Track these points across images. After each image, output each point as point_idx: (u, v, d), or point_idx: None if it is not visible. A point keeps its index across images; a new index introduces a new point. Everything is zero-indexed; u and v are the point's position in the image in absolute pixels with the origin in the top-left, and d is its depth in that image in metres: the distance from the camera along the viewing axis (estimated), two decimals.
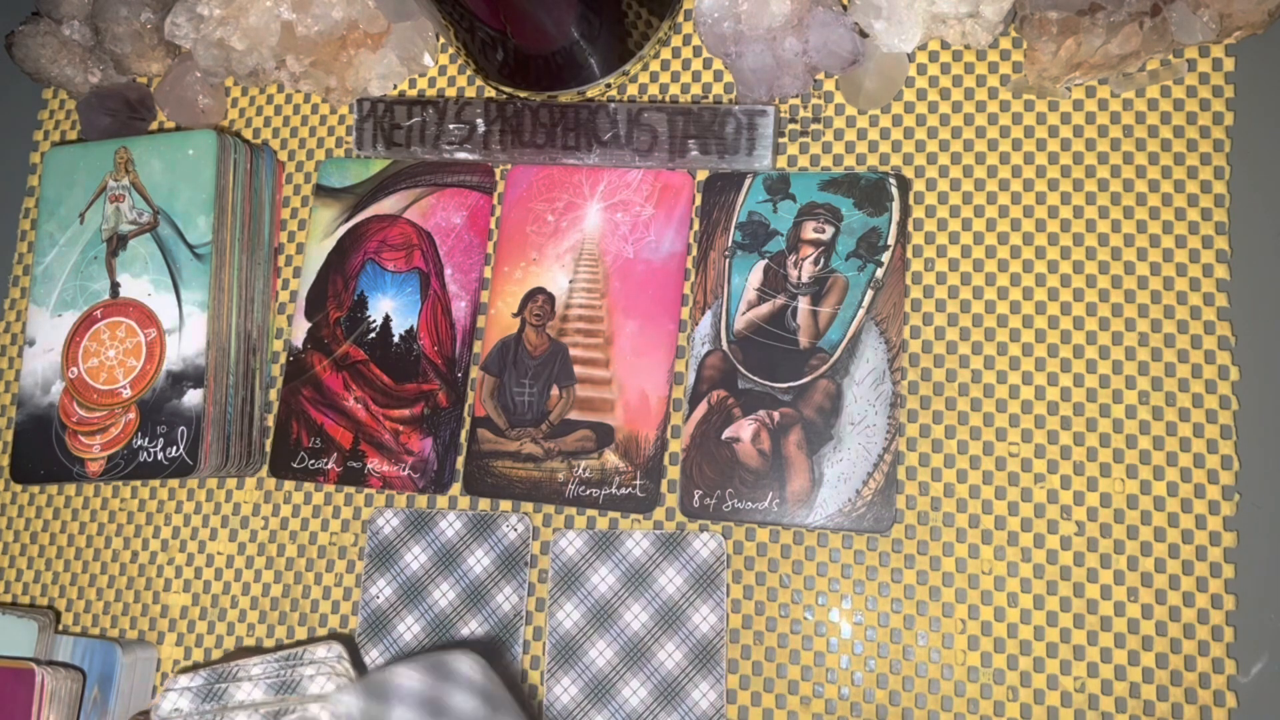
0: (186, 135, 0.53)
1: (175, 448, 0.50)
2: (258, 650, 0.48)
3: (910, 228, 0.48)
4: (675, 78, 0.52)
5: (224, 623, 0.51)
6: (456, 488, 0.50)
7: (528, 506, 0.49)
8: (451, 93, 0.55)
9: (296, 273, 0.55)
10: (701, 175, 0.50)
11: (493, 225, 0.52)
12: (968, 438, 0.45)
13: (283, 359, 0.54)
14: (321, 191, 0.55)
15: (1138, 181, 0.46)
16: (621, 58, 0.50)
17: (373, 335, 0.52)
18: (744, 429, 0.46)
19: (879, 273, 0.46)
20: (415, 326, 0.51)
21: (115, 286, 0.52)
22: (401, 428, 0.50)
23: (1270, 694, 0.41)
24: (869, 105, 0.49)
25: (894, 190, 0.47)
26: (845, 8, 0.49)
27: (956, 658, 0.44)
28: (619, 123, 0.50)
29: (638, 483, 0.47)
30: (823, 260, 0.47)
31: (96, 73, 0.59)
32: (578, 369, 0.49)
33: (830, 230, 0.47)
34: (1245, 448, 0.43)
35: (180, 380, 0.50)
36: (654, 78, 0.52)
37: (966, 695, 0.43)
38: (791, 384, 0.46)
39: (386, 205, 0.53)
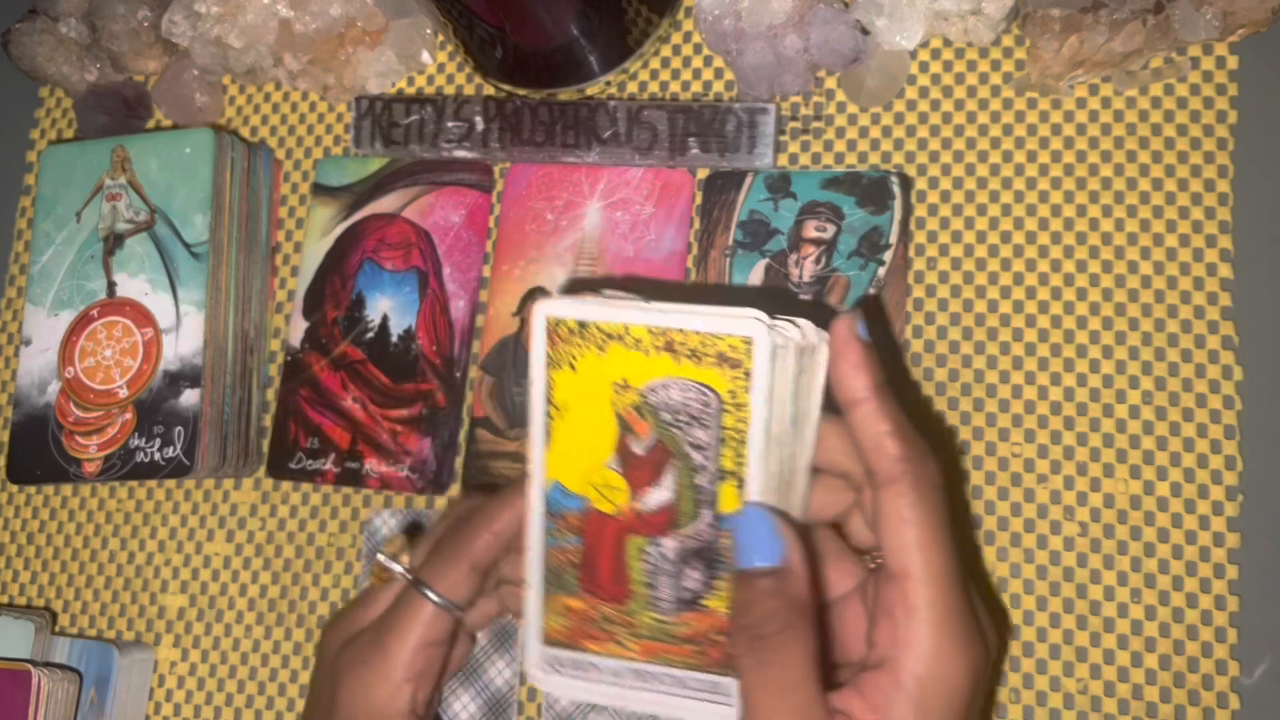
0: (183, 134, 0.53)
1: (172, 448, 0.49)
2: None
3: (912, 226, 0.47)
4: (675, 75, 0.52)
5: (221, 624, 0.51)
6: (455, 488, 0.49)
7: None
8: (450, 91, 0.54)
9: (294, 272, 0.55)
10: (702, 173, 0.50)
11: (492, 224, 0.52)
12: (970, 438, 0.45)
13: (280, 359, 0.53)
14: (319, 190, 0.54)
15: (1141, 180, 0.46)
16: (621, 55, 0.50)
17: (371, 335, 0.51)
18: None
19: (881, 272, 0.46)
20: (413, 326, 0.51)
21: (112, 286, 0.52)
22: (400, 428, 0.50)
23: (1274, 696, 0.41)
24: (871, 103, 0.49)
25: (896, 189, 0.47)
26: (847, 5, 0.48)
27: None
28: (619, 120, 0.49)
29: None
30: (824, 259, 0.47)
31: (93, 71, 0.59)
32: None
33: (832, 229, 0.47)
34: (1249, 448, 0.43)
35: (177, 380, 0.50)
36: (654, 75, 0.52)
37: None
38: None
39: (384, 204, 0.53)
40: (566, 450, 0.33)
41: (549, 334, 0.32)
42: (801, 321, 0.32)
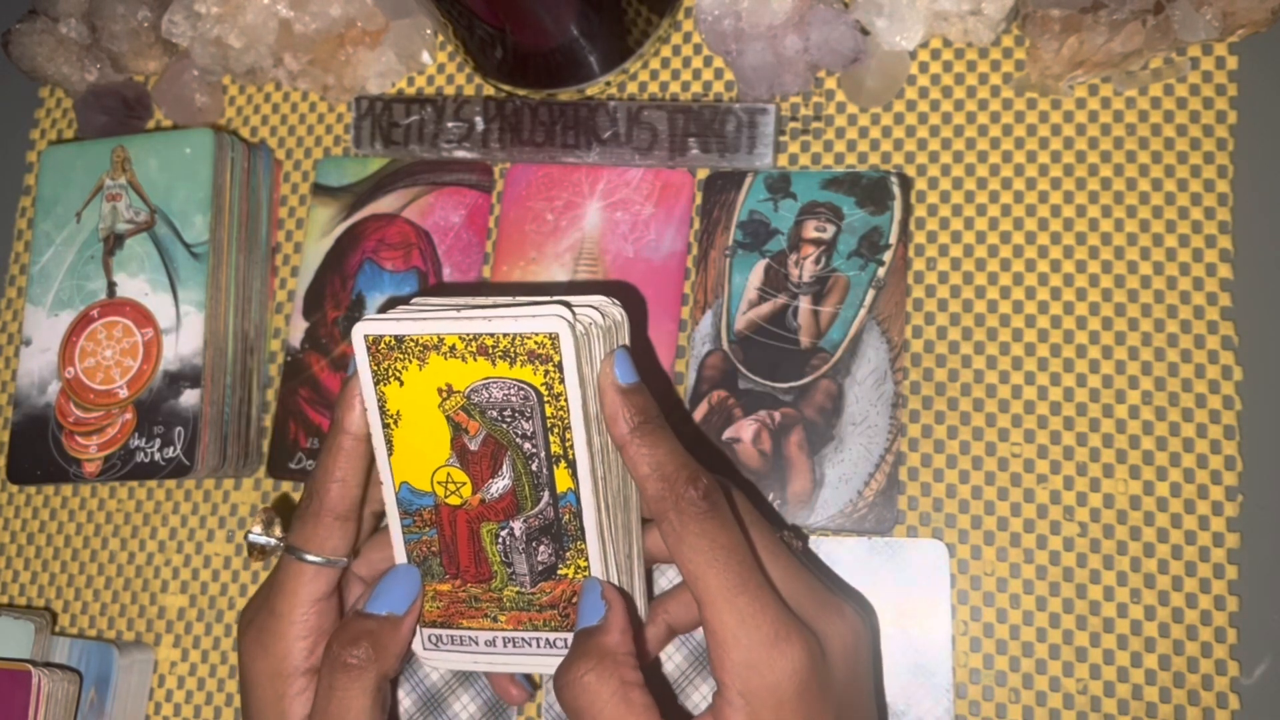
0: (183, 134, 0.53)
1: (172, 448, 0.49)
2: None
3: (912, 226, 0.47)
4: (675, 75, 0.52)
5: (221, 624, 0.51)
6: None
7: None
8: (450, 91, 0.54)
9: (294, 272, 0.55)
10: (702, 174, 0.50)
11: (491, 224, 0.52)
12: (970, 438, 0.45)
13: (280, 359, 0.53)
14: (319, 190, 0.54)
15: (1141, 180, 0.46)
16: (621, 55, 0.50)
17: None
18: (744, 429, 0.46)
19: (881, 272, 0.46)
20: None
21: (112, 286, 0.52)
22: None
23: (1274, 696, 0.41)
24: (870, 103, 0.49)
25: (896, 189, 0.47)
26: (847, 5, 0.48)
27: (959, 659, 0.43)
28: (619, 121, 0.49)
29: None
30: (824, 259, 0.47)
31: (93, 71, 0.59)
32: None
33: (831, 229, 0.47)
34: (1249, 448, 0.43)
35: (177, 380, 0.50)
36: (654, 75, 0.52)
37: (969, 697, 0.43)
38: (792, 384, 0.46)
39: (384, 204, 0.53)
40: (408, 455, 0.35)
41: (370, 352, 0.33)
42: (599, 301, 0.34)
